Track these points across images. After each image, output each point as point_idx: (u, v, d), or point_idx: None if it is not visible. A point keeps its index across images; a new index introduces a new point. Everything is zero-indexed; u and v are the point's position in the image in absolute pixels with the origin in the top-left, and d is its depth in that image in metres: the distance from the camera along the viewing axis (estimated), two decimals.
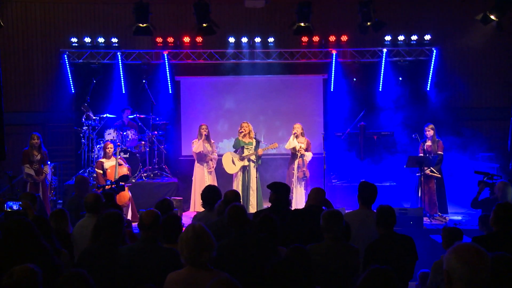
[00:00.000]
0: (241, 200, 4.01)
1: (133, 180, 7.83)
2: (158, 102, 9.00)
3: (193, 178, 7.54)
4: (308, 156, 7.25)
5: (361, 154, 8.44)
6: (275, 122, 9.39)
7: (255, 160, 7.20)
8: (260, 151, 7.19)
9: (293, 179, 7.21)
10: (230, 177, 7.63)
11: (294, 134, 7.25)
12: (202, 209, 4.35)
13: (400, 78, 9.23)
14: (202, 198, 4.27)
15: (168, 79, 9.25)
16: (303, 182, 7.20)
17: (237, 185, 7.25)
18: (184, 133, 9.41)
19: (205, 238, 2.51)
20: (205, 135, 7.37)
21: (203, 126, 7.46)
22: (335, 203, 7.64)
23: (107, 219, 3.10)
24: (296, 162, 7.25)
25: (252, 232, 3.22)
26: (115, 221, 3.10)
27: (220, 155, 7.63)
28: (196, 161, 7.55)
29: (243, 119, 9.21)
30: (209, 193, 4.21)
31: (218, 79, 9.54)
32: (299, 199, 7.09)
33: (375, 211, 3.59)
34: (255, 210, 6.75)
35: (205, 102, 9.42)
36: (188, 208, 7.87)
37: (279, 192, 4.16)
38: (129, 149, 8.17)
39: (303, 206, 4.33)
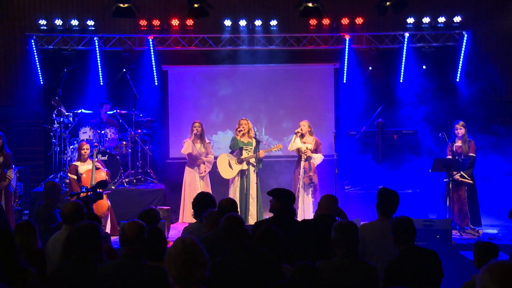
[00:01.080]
0: (238, 210, 3.99)
1: (113, 187, 7.84)
2: (142, 96, 9.01)
3: (183, 184, 7.55)
4: (317, 158, 7.25)
5: (378, 156, 8.45)
6: (278, 119, 9.45)
7: (255, 164, 7.20)
8: (261, 153, 7.20)
9: (299, 185, 7.21)
10: (226, 183, 7.63)
11: (296, 133, 7.24)
12: (194, 220, 4.35)
13: (424, 67, 9.25)
14: (193, 208, 4.27)
15: (154, 68, 9.26)
16: (310, 189, 7.20)
17: (234, 193, 7.26)
18: (173, 131, 9.42)
19: (196, 254, 2.51)
20: (195, 134, 7.38)
21: (196, 124, 7.47)
22: (348, 213, 7.61)
23: (80, 232, 3.09)
24: (301, 166, 7.26)
25: (251, 248, 3.21)
26: (90, 234, 3.09)
27: (215, 157, 7.64)
28: (186, 165, 7.55)
29: (240, 109, 9.37)
30: (201, 202, 4.21)
31: (212, 69, 9.55)
32: (306, 209, 7.09)
33: None
34: (255, 221, 6.76)
35: (197, 95, 9.44)
36: (177, 219, 7.88)
37: (283, 200, 4.15)
38: (108, 151, 8.18)
39: (312, 217, 4.33)
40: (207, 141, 7.66)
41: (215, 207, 4.04)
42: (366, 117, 8.80)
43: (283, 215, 4.12)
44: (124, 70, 9.03)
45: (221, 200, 4.00)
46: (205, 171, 7.47)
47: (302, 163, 7.22)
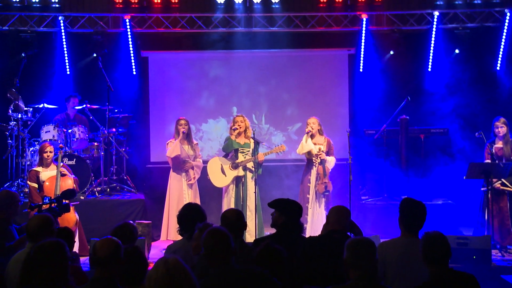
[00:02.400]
0: (246, 222, 4.01)
1: (82, 197, 7.85)
2: (118, 88, 9.03)
3: (167, 194, 7.56)
4: (331, 162, 7.30)
5: (402, 159, 8.47)
6: (281, 103, 9.48)
7: (253, 169, 7.22)
8: (260, 156, 7.22)
9: (308, 195, 7.23)
10: (218, 193, 7.64)
11: (307, 132, 7.27)
12: (179, 237, 4.36)
13: (457, 51, 9.26)
14: (178, 222, 4.27)
15: (132, 55, 9.29)
16: (323, 200, 7.23)
17: (228, 204, 7.27)
18: (155, 130, 9.46)
19: (181, 276, 2.52)
20: (183, 132, 7.39)
21: (181, 121, 7.48)
22: (366, 229, 7.64)
23: (42, 251, 3.10)
24: (313, 172, 7.28)
25: (242, 267, 3.20)
26: (54, 254, 3.10)
27: (206, 162, 7.66)
28: (171, 170, 7.57)
29: (235, 93, 9.34)
30: (189, 215, 4.21)
31: (201, 55, 9.58)
32: (317, 224, 7.10)
33: None
34: (254, 238, 6.78)
35: (184, 87, 9.48)
36: (159, 236, 7.87)
37: (288, 213, 4.16)
38: (76, 153, 8.19)
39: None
40: (195, 141, 7.68)
41: (205, 221, 4.04)
42: (387, 113, 8.82)
43: (288, 231, 4.13)
44: (96, 55, 9.05)
45: (224, 212, 4.01)
46: (194, 178, 7.48)
47: (314, 168, 7.26)
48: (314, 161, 7.27)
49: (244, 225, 3.94)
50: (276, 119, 9.52)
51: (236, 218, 3.88)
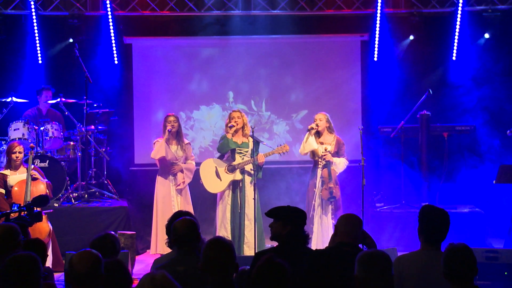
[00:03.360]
0: (198, 233, 4.01)
1: (56, 204, 7.87)
2: (97, 79, 9.05)
3: (154, 201, 7.57)
4: (340, 164, 7.28)
5: (422, 161, 8.48)
6: (285, 87, 9.51)
7: (252, 172, 7.23)
8: (261, 157, 7.23)
9: (314, 202, 7.25)
10: (212, 199, 7.66)
11: (310, 130, 7.26)
12: (168, 250, 4.37)
13: (487, 35, 9.23)
14: (167, 232, 4.28)
15: (113, 41, 9.30)
16: (329, 207, 7.23)
17: (223, 212, 7.28)
18: (139, 128, 9.48)
19: None
20: (169, 131, 7.39)
21: (170, 118, 7.48)
22: (381, 240, 7.67)
23: (12, 267, 3.11)
24: (318, 174, 7.29)
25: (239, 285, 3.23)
26: (25, 270, 3.11)
27: (198, 164, 7.67)
28: (158, 174, 7.58)
29: (231, 76, 9.30)
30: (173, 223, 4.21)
31: (192, 42, 9.59)
32: (324, 235, 7.12)
33: None
34: (253, 252, 6.78)
35: (173, 78, 9.49)
36: (145, 249, 7.91)
37: (291, 221, 4.17)
38: (49, 154, 8.21)
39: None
40: (186, 141, 7.68)
41: (197, 232, 4.04)
42: (405, 107, 8.84)
43: (294, 243, 4.14)
44: (72, 41, 9.04)
45: (175, 223, 3.97)
46: (183, 183, 7.49)
47: (319, 171, 7.26)
48: (319, 162, 7.29)
49: (197, 238, 3.92)
50: (279, 105, 9.53)
51: (188, 229, 3.88)
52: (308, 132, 7.27)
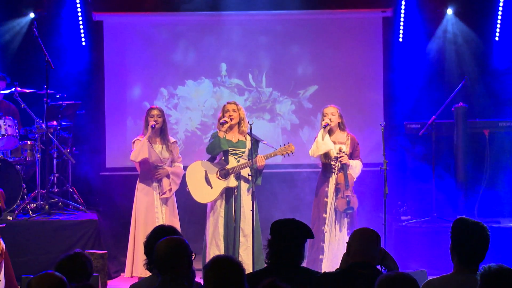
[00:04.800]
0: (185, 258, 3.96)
1: (10, 218, 7.86)
2: (61, 64, 9.06)
3: (132, 213, 7.58)
4: (357, 168, 7.29)
5: (458, 164, 8.47)
6: (289, 59, 9.52)
7: (250, 178, 7.24)
8: (260, 160, 7.22)
9: (325, 215, 7.26)
10: (202, 210, 7.67)
11: (324, 126, 7.26)
12: (147, 274, 4.38)
13: None
14: (146, 253, 4.30)
15: (80, 18, 9.32)
16: (345, 220, 7.24)
17: (215, 226, 7.29)
18: (112, 123, 9.49)
19: None
20: (151, 126, 7.38)
21: (153, 111, 7.47)
22: (407, 261, 7.64)
23: None
24: (331, 182, 7.30)
25: None
26: None
27: (186, 167, 7.67)
28: (138, 179, 7.60)
29: (225, 45, 9.27)
30: (157, 241, 4.22)
31: (177, 20, 9.60)
32: (338, 254, 7.12)
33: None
34: (250, 271, 6.79)
35: (153, 62, 9.50)
36: (119, 272, 7.92)
37: (287, 238, 4.18)
38: (1, 156, 8.20)
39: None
40: (172, 139, 7.66)
41: (187, 252, 4.01)
42: (437, 99, 8.87)
43: (285, 263, 4.16)
44: (32, 17, 9.02)
45: (158, 244, 3.89)
46: (170, 190, 7.49)
47: (333, 176, 7.27)
48: (333, 166, 7.30)
49: (187, 264, 3.86)
50: (282, 80, 9.55)
51: (175, 254, 3.80)
52: (323, 129, 7.26)
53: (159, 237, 4.12)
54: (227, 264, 3.33)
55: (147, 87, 9.38)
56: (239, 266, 3.31)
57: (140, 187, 7.53)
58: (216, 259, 3.37)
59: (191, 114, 9.54)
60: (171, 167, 7.53)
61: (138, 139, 7.44)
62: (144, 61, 9.52)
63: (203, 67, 9.50)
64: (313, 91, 9.53)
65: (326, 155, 7.29)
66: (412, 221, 8.38)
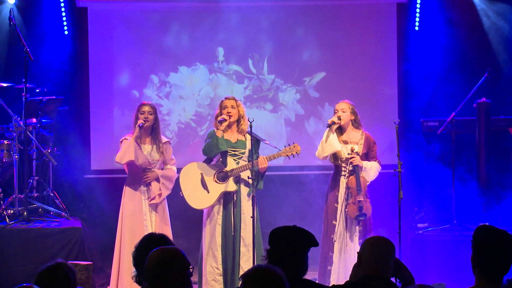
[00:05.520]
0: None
1: None
2: (41, 55, 9.06)
3: (119, 220, 7.58)
4: (372, 170, 7.28)
5: (480, 165, 8.46)
6: (293, 43, 9.52)
7: (251, 182, 7.23)
8: (262, 162, 7.21)
9: (335, 222, 7.27)
10: (197, 217, 7.68)
11: (330, 125, 7.23)
12: (135, 287, 4.39)
13: None
14: (135, 264, 4.30)
15: (62, 4, 9.32)
16: (356, 228, 7.24)
17: (212, 235, 7.29)
18: (97, 121, 9.48)
19: None
20: (139, 126, 7.34)
21: (144, 108, 7.44)
22: (424, 273, 7.66)
23: None
24: (341, 184, 7.31)
25: None
26: None
27: (180, 169, 7.66)
28: (126, 183, 7.61)
29: (223, 28, 9.27)
30: (147, 252, 4.21)
31: (169, 6, 9.59)
32: (349, 265, 7.12)
33: None
34: None
35: (143, 52, 9.50)
36: (105, 285, 7.92)
37: (287, 248, 4.19)
38: None
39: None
40: (165, 139, 7.65)
41: (180, 261, 4.02)
42: (456, 94, 8.87)
43: (293, 275, 4.17)
44: (11, 2, 9.01)
45: (151, 255, 3.86)
46: (160, 195, 7.49)
47: (344, 180, 7.27)
48: (343, 168, 7.31)
49: (185, 281, 3.84)
50: (286, 66, 9.55)
51: (163, 265, 3.78)
52: (328, 129, 7.24)
53: (150, 246, 4.11)
54: (270, 275, 3.32)
55: (135, 74, 9.35)
56: (282, 280, 3.30)
57: (127, 192, 7.52)
58: (258, 268, 3.35)
59: (184, 104, 9.52)
60: (161, 169, 7.53)
61: (126, 138, 7.43)
62: (132, 48, 9.48)
63: (198, 52, 9.47)
64: (320, 78, 9.54)
65: (336, 156, 7.29)
66: (430, 229, 8.40)
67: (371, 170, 7.25)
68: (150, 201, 7.47)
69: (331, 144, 7.19)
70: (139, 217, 7.46)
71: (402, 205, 7.07)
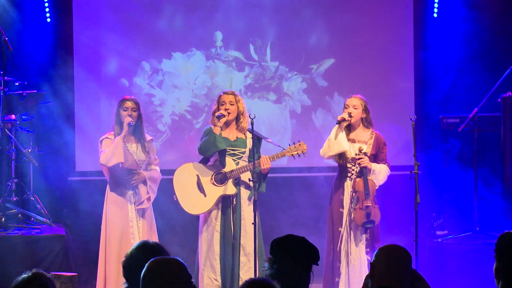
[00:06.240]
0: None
1: None
2: (21, 45, 9.09)
3: (102, 228, 7.59)
4: (381, 173, 7.27)
5: (506, 167, 8.45)
6: (298, 24, 9.55)
7: (251, 184, 7.23)
8: (265, 162, 7.20)
9: (341, 228, 7.27)
10: (193, 223, 7.69)
11: (339, 122, 7.21)
12: None
13: None
14: (125, 274, 4.31)
15: None
16: (363, 236, 7.24)
17: (209, 243, 7.29)
18: (82, 117, 9.49)
19: None
20: (129, 124, 7.33)
21: (127, 103, 7.45)
22: (443, 285, 7.64)
23: None
24: (346, 187, 7.32)
25: None
26: None
27: (168, 172, 7.68)
28: (108, 186, 7.61)
29: (219, 14, 9.31)
30: (141, 262, 4.24)
31: None
32: (355, 276, 7.14)
33: None
34: None
35: (131, 32, 9.52)
36: None
37: (291, 262, 4.20)
38: None
39: None
40: (149, 137, 7.63)
41: (185, 275, 4.02)
42: (479, 87, 8.87)
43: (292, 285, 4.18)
44: None
45: (150, 264, 3.87)
46: (148, 199, 7.49)
47: (350, 182, 7.28)
48: (350, 169, 7.31)
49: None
50: (291, 52, 9.57)
51: (162, 277, 3.77)
52: (337, 126, 7.24)
53: (144, 256, 4.13)
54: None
55: (125, 62, 9.37)
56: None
57: (110, 197, 7.49)
58: (251, 282, 3.36)
59: (179, 94, 9.54)
60: (147, 170, 7.52)
61: (108, 137, 7.41)
62: (121, 33, 9.49)
63: (194, 36, 9.49)
64: (328, 65, 9.56)
65: (341, 155, 7.27)
66: (450, 236, 8.39)
67: (380, 173, 7.23)
68: (137, 206, 7.46)
69: (339, 142, 7.19)
70: (124, 225, 7.43)
71: (419, 210, 7.04)
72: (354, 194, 7.20)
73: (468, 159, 8.63)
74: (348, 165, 7.28)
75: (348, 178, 7.28)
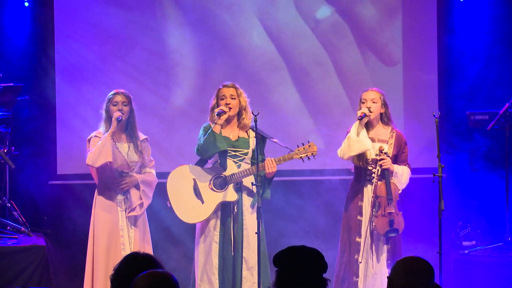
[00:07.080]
0: None
1: None
2: None
3: (89, 237, 7.60)
4: (403, 176, 7.29)
5: None
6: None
7: (255, 190, 7.23)
8: (270, 165, 7.21)
9: (359, 239, 7.27)
10: (189, 233, 7.70)
11: (360, 117, 7.21)
12: None
13: None
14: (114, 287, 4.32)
15: None
16: (385, 247, 7.26)
17: (207, 255, 7.30)
18: (64, 113, 9.53)
19: None
20: (118, 119, 7.32)
21: (117, 97, 7.45)
22: None
23: None
24: (366, 193, 7.34)
25: None
26: None
27: (163, 174, 7.71)
28: (96, 191, 7.63)
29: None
30: (132, 274, 4.25)
31: None
32: None
33: None
34: None
35: (120, 30, 9.57)
36: None
37: (300, 270, 4.21)
38: None
39: None
40: (142, 136, 7.64)
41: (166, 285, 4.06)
42: (510, 79, 8.87)
43: None
44: None
45: (137, 281, 3.92)
46: (141, 206, 7.50)
47: (370, 187, 7.29)
48: (370, 172, 7.31)
49: None
50: (295, 35, 9.64)
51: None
52: (357, 122, 7.20)
53: (134, 269, 4.17)
54: None
55: (111, 51, 9.41)
56: None
57: (99, 202, 7.50)
58: None
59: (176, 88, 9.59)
60: (140, 173, 7.53)
61: (96, 136, 7.41)
62: (110, 29, 9.52)
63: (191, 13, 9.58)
64: None
65: (361, 156, 7.28)
66: (478, 248, 8.40)
67: (402, 176, 7.25)
68: (128, 212, 7.46)
69: (361, 141, 7.17)
70: (115, 234, 7.44)
71: (443, 218, 7.04)
72: (375, 199, 7.21)
73: (499, 161, 8.66)
74: (369, 167, 7.28)
75: (367, 182, 7.29)
